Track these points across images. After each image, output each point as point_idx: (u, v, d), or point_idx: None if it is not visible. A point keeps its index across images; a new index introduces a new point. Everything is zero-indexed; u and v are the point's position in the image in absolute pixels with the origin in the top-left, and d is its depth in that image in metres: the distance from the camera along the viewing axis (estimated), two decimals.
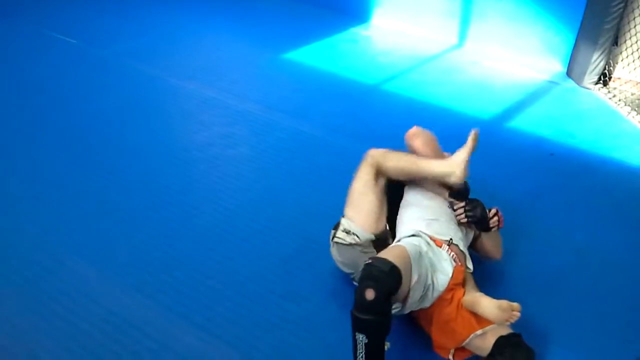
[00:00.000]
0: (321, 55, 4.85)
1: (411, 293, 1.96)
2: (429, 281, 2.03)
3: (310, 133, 3.62)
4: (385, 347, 1.88)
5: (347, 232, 2.25)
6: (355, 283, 2.33)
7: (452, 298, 2.07)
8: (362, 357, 1.84)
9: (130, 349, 2.15)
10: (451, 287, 2.08)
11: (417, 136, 2.54)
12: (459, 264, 2.17)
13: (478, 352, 2.03)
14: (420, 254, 2.04)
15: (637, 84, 4.22)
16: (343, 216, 2.34)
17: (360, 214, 2.28)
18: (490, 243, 2.41)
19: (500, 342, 1.95)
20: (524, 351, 1.95)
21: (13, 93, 4.12)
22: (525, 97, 4.18)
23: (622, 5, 3.93)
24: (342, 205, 2.56)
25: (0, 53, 4.76)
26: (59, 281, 2.46)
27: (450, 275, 2.08)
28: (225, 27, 5.45)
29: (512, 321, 1.95)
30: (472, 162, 2.83)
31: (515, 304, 1.94)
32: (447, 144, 3.53)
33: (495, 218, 2.33)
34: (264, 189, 3.08)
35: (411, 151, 2.52)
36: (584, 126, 3.81)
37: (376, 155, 2.34)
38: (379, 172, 2.32)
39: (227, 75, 4.43)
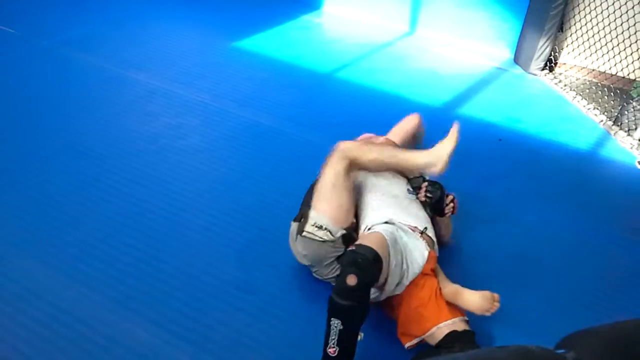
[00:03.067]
0: (272, 43, 4.80)
1: (389, 279, 1.99)
2: (405, 266, 2.06)
3: (262, 122, 3.58)
4: (359, 337, 1.88)
5: (319, 227, 2.17)
6: (315, 275, 2.32)
7: (424, 284, 2.09)
8: (334, 343, 1.83)
9: (79, 345, 2.09)
10: (425, 273, 2.10)
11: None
12: (431, 250, 2.19)
13: (429, 340, 2.04)
14: (395, 241, 2.06)
15: (581, 69, 4.34)
16: (310, 209, 2.24)
17: (331, 207, 2.18)
18: (443, 228, 2.44)
19: (454, 335, 1.97)
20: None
21: None
22: (474, 84, 4.24)
23: None
24: (296, 195, 2.56)
25: None
26: (3, 277, 2.36)
27: (426, 258, 2.11)
28: (174, 14, 5.33)
29: (493, 311, 1.99)
30: (423, 149, 2.88)
31: (496, 295, 2.00)
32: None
33: (452, 205, 2.37)
34: (215, 180, 3.03)
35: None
36: (531, 111, 3.89)
37: (351, 148, 2.24)
38: (352, 165, 2.23)
39: (175, 64, 4.33)
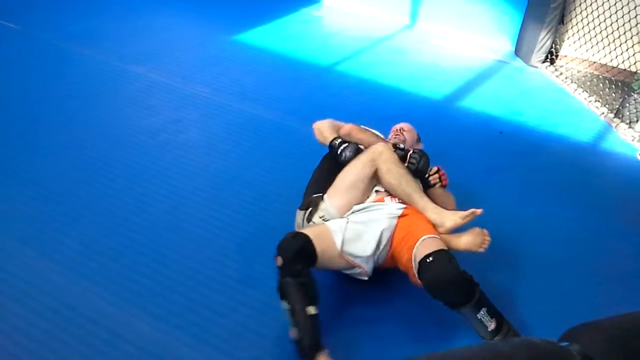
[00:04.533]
0: (272, 36, 4.79)
1: (352, 253, 2.13)
2: (375, 237, 2.16)
3: (262, 116, 3.58)
4: (311, 312, 1.93)
5: (325, 221, 2.25)
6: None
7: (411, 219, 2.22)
8: (290, 325, 1.92)
9: (83, 340, 2.09)
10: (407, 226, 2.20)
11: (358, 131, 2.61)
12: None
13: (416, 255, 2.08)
14: (347, 223, 2.17)
15: (582, 62, 4.33)
16: (322, 199, 2.30)
17: (343, 203, 2.27)
18: (440, 201, 2.47)
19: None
20: (446, 259, 2.02)
21: None
22: (476, 77, 4.24)
23: None
24: (297, 188, 2.56)
25: None
26: (4, 272, 2.37)
27: (398, 214, 2.22)
28: (173, 8, 5.32)
29: (486, 246, 2.15)
30: (425, 141, 2.88)
31: (485, 230, 2.18)
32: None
33: (436, 175, 2.47)
34: (216, 174, 3.03)
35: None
36: (532, 104, 3.89)
37: (387, 159, 2.29)
38: (375, 170, 2.30)
39: (175, 58, 4.33)
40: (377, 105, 3.80)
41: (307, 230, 2.12)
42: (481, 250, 2.16)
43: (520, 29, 4.48)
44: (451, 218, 2.20)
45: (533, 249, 2.63)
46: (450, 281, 1.97)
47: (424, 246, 2.07)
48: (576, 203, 2.95)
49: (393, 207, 2.25)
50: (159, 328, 2.15)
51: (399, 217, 2.23)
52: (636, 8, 3.72)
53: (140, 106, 3.67)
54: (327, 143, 2.48)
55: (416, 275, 2.05)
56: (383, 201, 2.28)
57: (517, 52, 4.56)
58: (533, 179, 3.13)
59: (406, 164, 2.39)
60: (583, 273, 2.51)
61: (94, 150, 3.21)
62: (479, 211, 2.16)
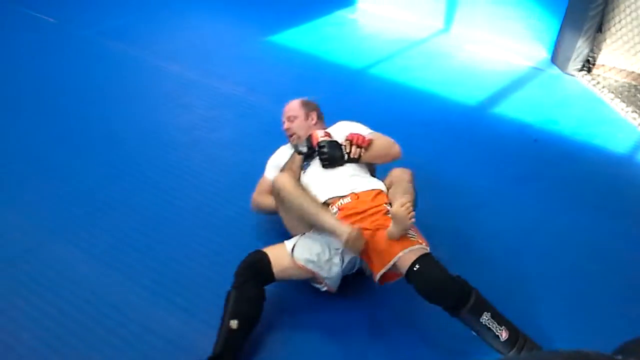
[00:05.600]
0: (306, 38, 4.81)
1: (302, 257, 2.12)
2: (324, 240, 2.16)
3: None
4: (232, 326, 1.97)
5: None
6: None
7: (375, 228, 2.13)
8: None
9: (112, 330, 2.13)
10: (376, 226, 2.12)
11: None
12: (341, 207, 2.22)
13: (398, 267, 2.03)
14: (299, 239, 2.19)
15: (620, 71, 4.25)
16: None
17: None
18: (377, 160, 2.46)
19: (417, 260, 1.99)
20: (432, 262, 1.99)
21: None
22: (510, 83, 4.19)
23: None
24: None
25: None
26: (39, 263, 2.43)
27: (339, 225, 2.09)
28: (209, 6, 5.39)
29: (412, 212, 1.97)
30: (458, 148, 2.86)
31: (402, 200, 1.99)
32: (430, 129, 3.55)
33: (354, 148, 2.38)
34: (247, 173, 3.03)
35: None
36: (567, 113, 3.83)
37: (280, 194, 2.23)
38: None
39: (210, 57, 4.38)
40: (409, 110, 3.78)
41: (268, 247, 2.19)
42: (412, 219, 1.99)
43: (558, 37, 4.42)
44: (345, 236, 2.07)
45: (564, 261, 2.58)
46: (439, 284, 1.94)
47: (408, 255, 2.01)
48: (609, 215, 2.89)
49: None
50: (188, 322, 2.17)
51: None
52: None
53: (174, 103, 3.72)
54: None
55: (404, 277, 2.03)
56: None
57: (554, 59, 4.49)
58: (566, 189, 3.07)
59: (320, 163, 2.36)
60: (616, 286, 2.45)
61: (127, 145, 3.26)
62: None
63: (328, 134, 2.45)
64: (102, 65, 4.21)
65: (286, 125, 2.58)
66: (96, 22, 4.89)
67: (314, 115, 2.60)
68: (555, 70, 4.40)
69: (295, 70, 4.24)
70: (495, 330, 1.90)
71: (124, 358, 2.03)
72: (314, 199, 2.22)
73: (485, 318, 1.91)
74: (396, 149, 2.45)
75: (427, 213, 2.79)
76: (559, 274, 2.50)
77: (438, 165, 3.19)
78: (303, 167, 2.46)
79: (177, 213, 2.73)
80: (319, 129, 2.55)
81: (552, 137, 3.54)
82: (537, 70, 4.40)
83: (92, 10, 5.12)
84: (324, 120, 2.70)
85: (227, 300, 2.05)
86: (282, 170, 2.47)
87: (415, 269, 1.96)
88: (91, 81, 3.96)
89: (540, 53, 4.61)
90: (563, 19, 4.29)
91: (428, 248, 2.05)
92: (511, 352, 1.89)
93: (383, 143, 2.46)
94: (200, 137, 3.36)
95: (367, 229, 2.12)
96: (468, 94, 4.00)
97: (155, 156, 3.17)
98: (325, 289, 2.21)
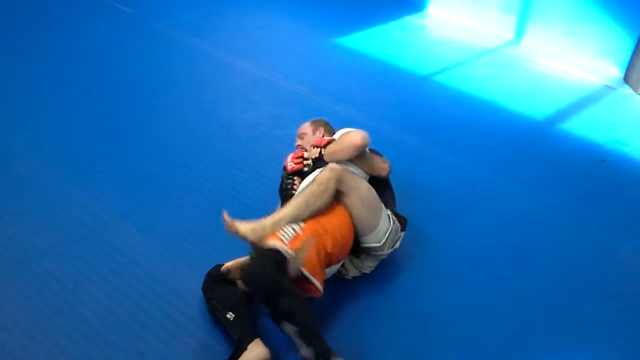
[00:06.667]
0: (373, 41, 4.82)
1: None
2: None
3: (358, 120, 3.61)
4: (229, 318, 2.07)
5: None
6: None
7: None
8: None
9: (170, 315, 2.21)
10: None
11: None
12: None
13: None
14: None
15: None
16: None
17: None
18: (340, 154, 2.40)
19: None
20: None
21: (66, 59, 4.24)
22: (579, 100, 4.09)
23: None
24: None
25: (55, 16, 4.88)
26: (103, 241, 2.54)
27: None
28: (280, 6, 5.46)
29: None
30: (519, 161, 2.80)
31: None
32: (492, 140, 3.50)
33: (313, 149, 2.48)
34: None
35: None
36: (638, 134, 3.70)
37: None
38: None
39: (278, 56, 4.45)
40: (472, 119, 3.75)
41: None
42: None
43: (632, 56, 4.28)
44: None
45: (624, 286, 2.51)
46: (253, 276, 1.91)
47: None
48: None
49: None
50: None
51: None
52: None
53: (241, 99, 3.81)
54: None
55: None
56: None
57: (626, 79, 4.35)
58: (632, 212, 2.98)
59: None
60: None
61: (195, 136, 3.37)
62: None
63: (325, 142, 2.49)
64: (174, 57, 4.34)
65: (297, 142, 2.73)
66: (170, 14, 5.04)
67: (321, 130, 2.72)
68: (627, 89, 4.26)
69: (359, 73, 4.26)
70: (298, 344, 1.84)
71: (180, 344, 2.11)
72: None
73: (290, 329, 1.84)
74: (352, 136, 2.36)
75: (486, 227, 2.79)
76: (618, 299, 2.43)
77: (498, 177, 3.15)
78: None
79: (237, 206, 2.79)
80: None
81: (620, 158, 3.44)
82: (608, 89, 4.27)
83: (167, 3, 5.28)
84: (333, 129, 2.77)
85: (212, 310, 2.15)
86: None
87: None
88: (162, 72, 4.10)
89: (612, 71, 4.47)
90: (638, 38, 4.16)
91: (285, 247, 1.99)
92: None
93: (341, 137, 2.44)
94: (264, 133, 3.43)
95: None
96: (534, 108, 3.93)
97: (221, 149, 3.26)
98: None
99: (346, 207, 2.23)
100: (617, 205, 3.03)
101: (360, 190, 2.24)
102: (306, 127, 2.76)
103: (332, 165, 2.25)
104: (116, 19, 4.90)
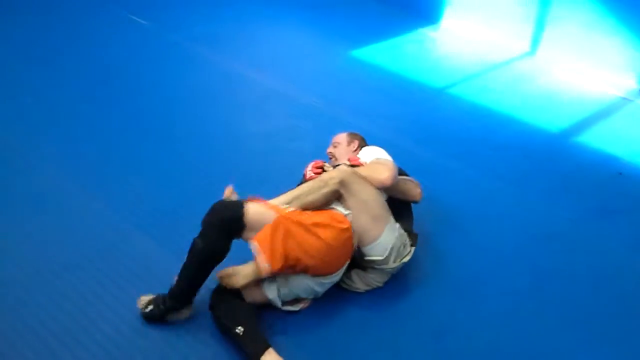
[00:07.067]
0: (387, 54, 4.84)
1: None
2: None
3: (373, 132, 3.57)
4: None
5: None
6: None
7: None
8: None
9: (185, 326, 2.21)
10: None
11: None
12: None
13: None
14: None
15: None
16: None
17: None
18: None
19: None
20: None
21: (82, 71, 4.28)
22: (596, 112, 4.07)
23: None
24: None
25: (75, 28, 4.94)
26: (119, 252, 2.56)
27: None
28: (294, 19, 5.50)
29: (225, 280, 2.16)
30: (535, 174, 2.79)
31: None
32: (507, 153, 3.49)
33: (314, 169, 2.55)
34: None
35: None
36: None
37: None
38: None
39: (293, 68, 4.48)
40: (487, 132, 3.74)
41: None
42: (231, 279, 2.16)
43: None
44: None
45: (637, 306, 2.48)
46: None
47: None
48: None
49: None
50: None
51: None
52: None
53: (255, 110, 3.83)
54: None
55: None
56: None
57: None
58: None
59: None
60: None
61: (210, 147, 3.39)
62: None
63: (359, 163, 2.49)
64: (189, 69, 4.38)
65: (329, 149, 2.77)
66: (186, 27, 5.09)
67: (356, 143, 2.74)
68: None
69: (374, 85, 4.28)
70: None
71: (196, 356, 2.11)
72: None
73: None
74: (382, 173, 2.34)
75: (501, 241, 2.77)
76: (630, 322, 2.38)
77: (514, 190, 3.15)
78: None
79: None
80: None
81: (638, 171, 3.41)
82: (624, 101, 4.25)
83: (183, 16, 5.34)
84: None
85: (221, 329, 2.17)
86: None
87: None
88: (179, 84, 4.13)
89: (629, 83, 4.44)
90: None
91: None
92: None
93: (373, 167, 2.41)
94: (279, 145, 3.44)
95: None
96: (550, 120, 3.91)
97: (234, 161, 3.27)
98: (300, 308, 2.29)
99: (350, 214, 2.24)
100: (634, 218, 3.01)
101: (364, 195, 2.25)
102: (342, 137, 2.77)
103: (343, 167, 2.27)
104: (133, 31, 4.96)
